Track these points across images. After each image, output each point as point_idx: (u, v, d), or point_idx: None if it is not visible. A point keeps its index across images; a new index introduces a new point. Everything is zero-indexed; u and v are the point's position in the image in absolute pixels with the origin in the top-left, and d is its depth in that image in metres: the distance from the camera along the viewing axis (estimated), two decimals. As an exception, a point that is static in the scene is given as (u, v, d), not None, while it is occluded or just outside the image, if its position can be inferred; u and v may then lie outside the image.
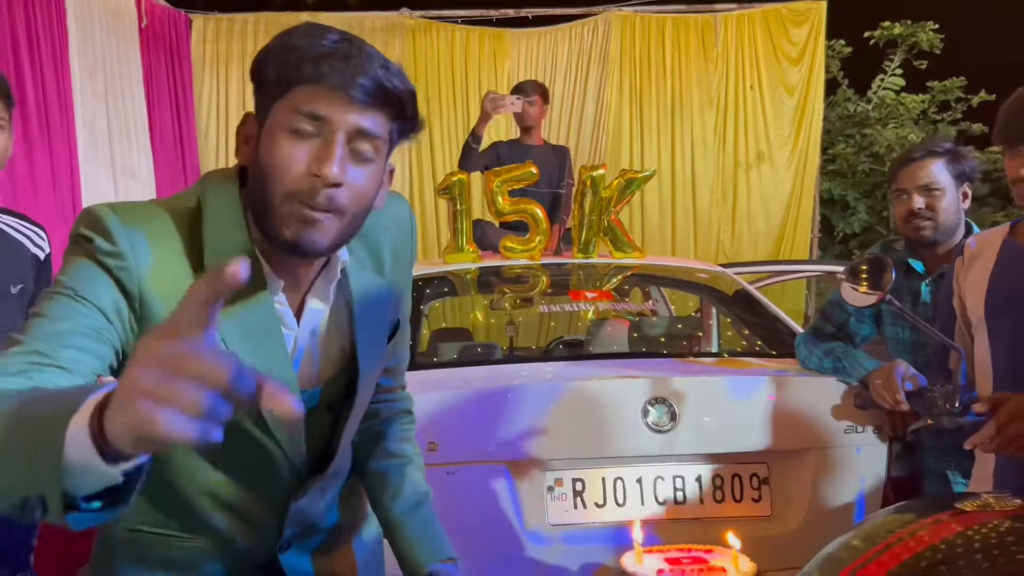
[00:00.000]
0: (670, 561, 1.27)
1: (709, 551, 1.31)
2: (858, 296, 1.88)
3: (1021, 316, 1.69)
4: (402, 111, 1.00)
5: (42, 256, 2.01)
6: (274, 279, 1.02)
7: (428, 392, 2.07)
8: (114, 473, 0.65)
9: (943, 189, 2.12)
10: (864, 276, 1.82)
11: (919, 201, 2.12)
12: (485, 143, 3.92)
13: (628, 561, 1.25)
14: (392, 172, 1.08)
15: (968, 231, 2.16)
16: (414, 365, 2.36)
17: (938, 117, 7.59)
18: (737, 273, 3.43)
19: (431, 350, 3.10)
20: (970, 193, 2.18)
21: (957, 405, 1.59)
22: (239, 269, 0.59)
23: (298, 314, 1.08)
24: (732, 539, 1.30)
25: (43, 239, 2.04)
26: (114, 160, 5.18)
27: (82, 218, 0.97)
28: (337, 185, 0.94)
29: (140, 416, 0.59)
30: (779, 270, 4.10)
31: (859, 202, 7.48)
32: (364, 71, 0.94)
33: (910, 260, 2.18)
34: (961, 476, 2.03)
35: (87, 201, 4.79)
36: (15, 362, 0.85)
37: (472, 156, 3.80)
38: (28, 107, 4.42)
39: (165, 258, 0.97)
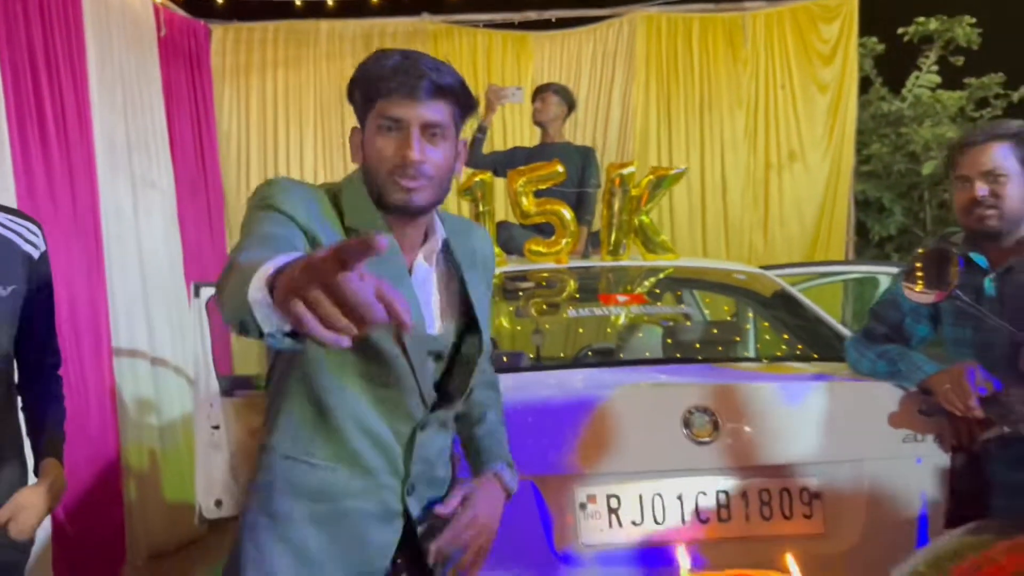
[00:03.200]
0: (722, 589, 1.11)
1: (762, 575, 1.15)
2: (920, 294, 1.72)
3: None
4: (456, 99, 1.35)
5: (36, 255, 1.87)
6: (390, 238, 1.27)
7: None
8: (280, 321, 0.94)
9: (1008, 175, 1.95)
10: (925, 272, 1.66)
11: (982, 188, 1.95)
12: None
13: (675, 590, 1.10)
14: (466, 144, 1.45)
15: (1038, 221, 1.98)
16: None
17: (976, 114, 7.34)
18: (782, 275, 3.27)
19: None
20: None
21: (1037, 409, 1.42)
22: (382, 241, 0.80)
23: (410, 269, 1.41)
24: (791, 563, 1.14)
25: (37, 235, 1.90)
26: (133, 171, 5.12)
27: (261, 187, 1.36)
28: (419, 162, 1.31)
29: (291, 310, 0.84)
30: (818, 271, 3.93)
31: (895, 204, 7.25)
32: (420, 77, 1.29)
33: (972, 254, 2.00)
34: (1035, 490, 1.85)
35: (106, 214, 4.73)
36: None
37: (476, 148, 3.86)
38: (47, 125, 4.37)
39: (321, 215, 1.33)
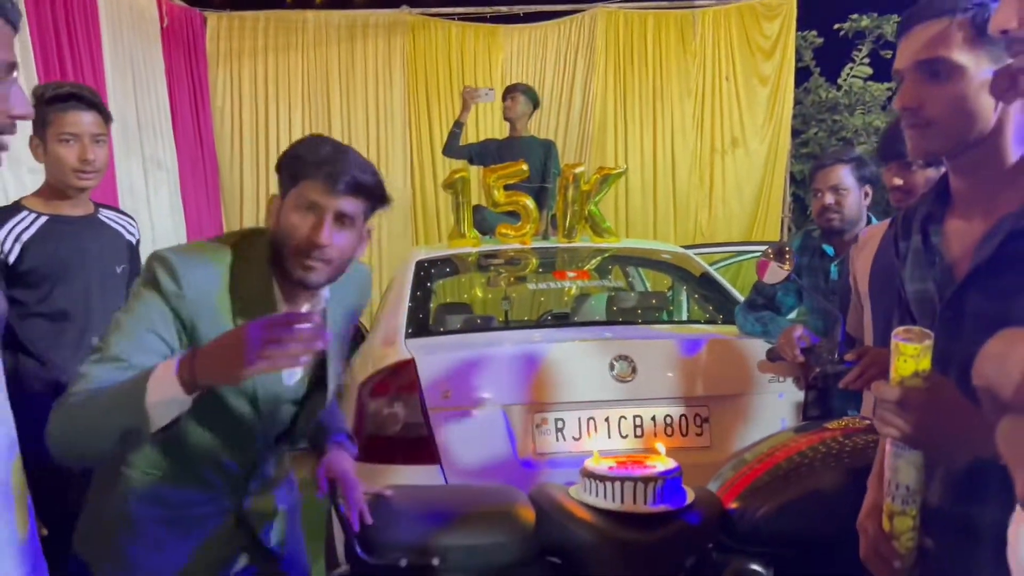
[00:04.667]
0: (619, 463, 1.82)
1: (646, 456, 1.86)
2: (776, 274, 2.44)
3: (892, 291, 2.24)
4: (371, 196, 1.47)
5: (134, 241, 2.51)
6: (282, 303, 1.52)
7: (442, 353, 2.63)
8: (187, 400, 1.27)
9: (849, 189, 2.66)
10: (779, 259, 2.38)
11: (830, 198, 2.66)
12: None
13: (589, 463, 1.80)
14: (370, 231, 1.55)
15: (868, 223, 2.71)
16: (426, 332, 2.92)
17: (903, 103, 8.07)
18: (702, 253, 4.00)
19: (438, 321, 3.65)
20: (871, 193, 2.72)
21: (837, 356, 2.15)
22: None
23: None
24: (660, 447, 1.85)
25: (134, 227, 2.53)
26: (143, 152, 5.64)
27: (156, 260, 1.43)
28: (325, 247, 1.42)
29: (264, 355, 1.18)
30: (739, 250, 4.67)
31: (830, 183, 7.97)
32: (345, 172, 1.41)
33: (824, 246, 2.73)
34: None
35: (123, 190, 5.28)
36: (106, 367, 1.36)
37: (453, 141, 4.53)
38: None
39: (210, 300, 1.44)
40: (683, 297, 4.12)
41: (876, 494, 1.37)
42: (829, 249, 2.72)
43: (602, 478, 1.74)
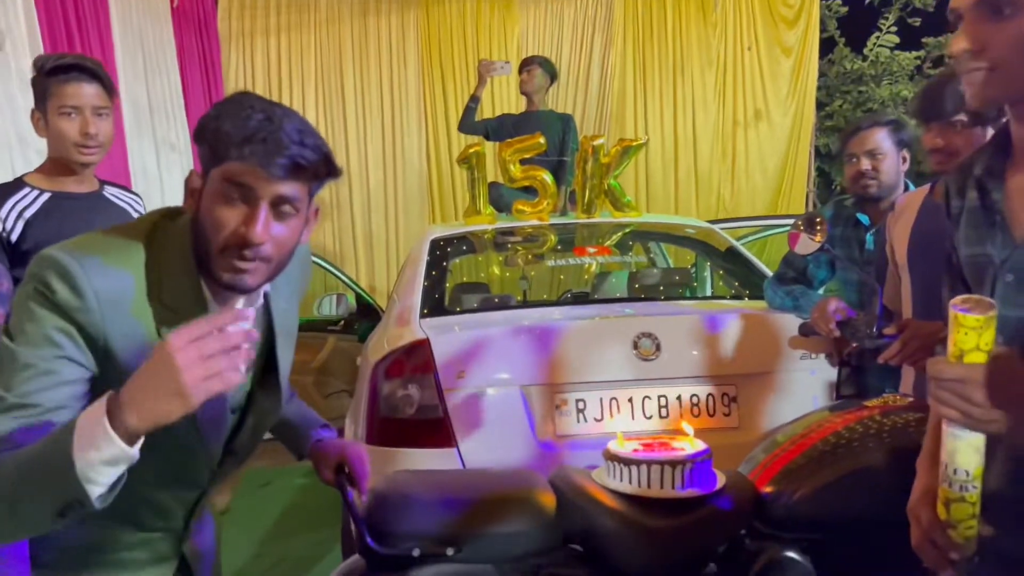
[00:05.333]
0: (644, 445, 1.71)
1: (672, 437, 1.75)
2: (808, 245, 2.31)
3: (932, 260, 2.11)
4: (316, 176, 1.15)
5: None
6: (213, 304, 1.21)
7: (458, 332, 2.53)
8: (134, 452, 0.97)
9: (886, 154, 2.52)
10: (811, 229, 2.25)
11: (866, 163, 2.53)
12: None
13: (613, 445, 1.70)
14: (317, 211, 1.24)
15: (906, 190, 2.57)
16: (442, 312, 2.82)
17: (932, 72, 7.86)
18: (728, 227, 3.86)
19: (454, 301, 3.55)
20: (908, 157, 2.58)
21: (875, 330, 2.02)
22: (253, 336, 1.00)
23: None
24: (687, 427, 1.74)
25: (141, 204, 2.44)
26: (155, 133, 5.59)
27: (45, 265, 1.11)
28: (261, 244, 1.11)
29: (209, 373, 0.95)
30: (766, 224, 4.52)
31: (856, 156, 7.78)
32: (281, 150, 1.08)
33: (858, 214, 2.59)
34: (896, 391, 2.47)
35: (135, 171, 5.22)
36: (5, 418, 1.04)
37: (468, 117, 4.39)
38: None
39: (121, 305, 1.12)
40: (707, 273, 3.99)
41: (928, 478, 1.26)
42: (864, 218, 2.58)
43: (626, 461, 1.63)
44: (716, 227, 3.63)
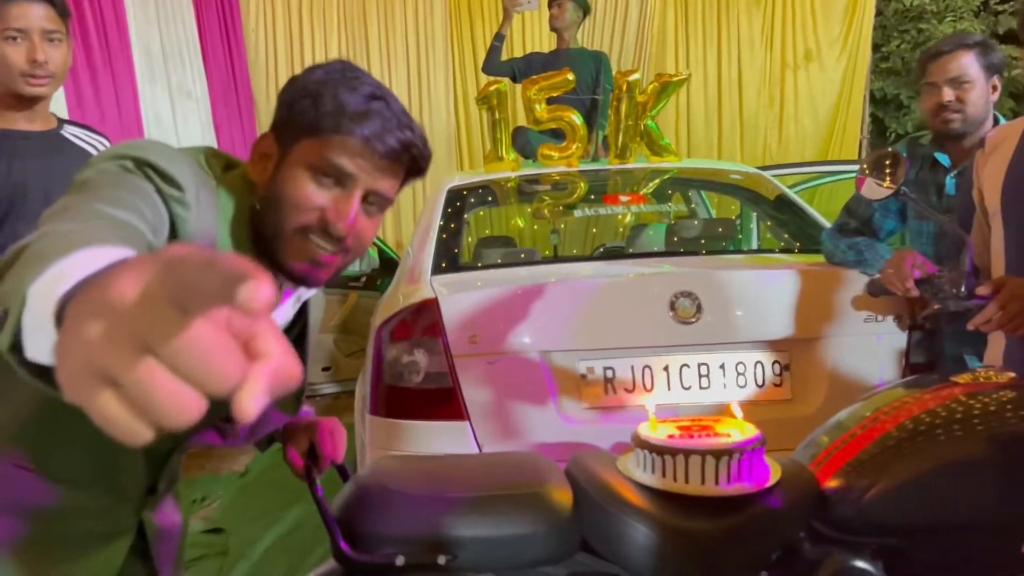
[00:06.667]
0: (681, 429, 1.41)
1: (717, 420, 1.45)
2: (877, 190, 1.96)
3: (1034, 207, 1.76)
4: (418, 171, 1.07)
5: None
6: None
7: (468, 291, 2.24)
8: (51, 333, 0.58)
9: (972, 82, 2.15)
10: (882, 170, 1.89)
11: (949, 94, 2.15)
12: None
13: (643, 429, 1.40)
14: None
15: (996, 124, 2.20)
16: (457, 268, 2.53)
17: (1000, 8, 7.28)
18: (780, 175, 3.49)
19: (475, 256, 3.25)
20: (999, 86, 2.20)
21: (963, 289, 1.68)
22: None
23: None
24: (735, 409, 1.43)
25: (108, 146, 2.17)
26: (170, 80, 5.35)
27: (153, 150, 0.95)
28: (347, 239, 1.01)
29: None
30: (823, 171, 4.12)
31: (913, 101, 7.29)
32: (394, 134, 1.00)
33: (936, 154, 2.23)
34: (978, 360, 2.13)
35: (148, 120, 5.00)
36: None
37: (494, 56, 4.04)
38: (88, 33, 4.59)
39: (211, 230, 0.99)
40: (754, 225, 3.64)
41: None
42: (943, 158, 2.21)
43: (660, 450, 1.33)
44: (766, 173, 3.26)
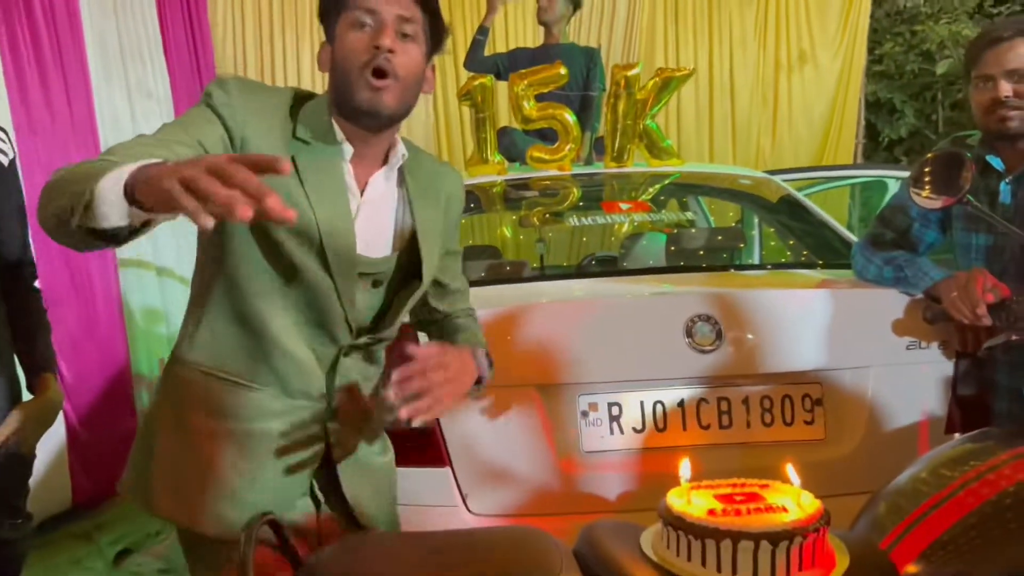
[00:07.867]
0: (721, 499, 1.11)
1: (765, 486, 1.15)
2: (928, 200, 1.68)
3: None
4: (428, 5, 1.33)
5: (5, 162, 1.80)
6: (346, 144, 1.33)
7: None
8: (129, 211, 0.94)
9: None
10: (941, 175, 1.61)
11: (1007, 88, 1.86)
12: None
13: (675, 501, 1.10)
14: (434, 68, 1.41)
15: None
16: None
17: (996, 10, 7.08)
18: (788, 179, 3.22)
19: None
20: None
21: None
22: (285, 164, 0.87)
23: (363, 188, 1.36)
24: (792, 474, 1.14)
25: (5, 142, 1.83)
26: (128, 78, 5.00)
27: (212, 82, 1.30)
28: (391, 52, 1.26)
29: (163, 187, 0.86)
30: (825, 175, 3.86)
31: (906, 105, 7.07)
32: None
33: (988, 157, 1.94)
34: (1037, 393, 1.85)
35: (104, 121, 4.64)
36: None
37: (477, 51, 3.79)
38: (37, 27, 4.23)
39: (265, 118, 1.29)
40: (756, 233, 3.36)
41: None
42: (996, 161, 1.93)
43: (700, 532, 1.04)
44: (775, 178, 2.97)
